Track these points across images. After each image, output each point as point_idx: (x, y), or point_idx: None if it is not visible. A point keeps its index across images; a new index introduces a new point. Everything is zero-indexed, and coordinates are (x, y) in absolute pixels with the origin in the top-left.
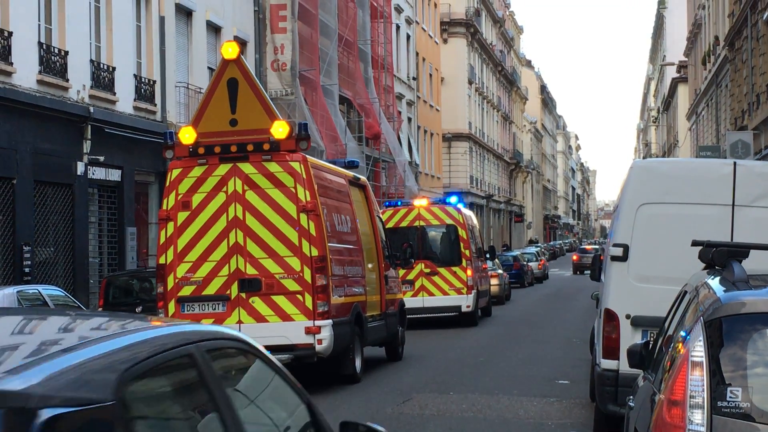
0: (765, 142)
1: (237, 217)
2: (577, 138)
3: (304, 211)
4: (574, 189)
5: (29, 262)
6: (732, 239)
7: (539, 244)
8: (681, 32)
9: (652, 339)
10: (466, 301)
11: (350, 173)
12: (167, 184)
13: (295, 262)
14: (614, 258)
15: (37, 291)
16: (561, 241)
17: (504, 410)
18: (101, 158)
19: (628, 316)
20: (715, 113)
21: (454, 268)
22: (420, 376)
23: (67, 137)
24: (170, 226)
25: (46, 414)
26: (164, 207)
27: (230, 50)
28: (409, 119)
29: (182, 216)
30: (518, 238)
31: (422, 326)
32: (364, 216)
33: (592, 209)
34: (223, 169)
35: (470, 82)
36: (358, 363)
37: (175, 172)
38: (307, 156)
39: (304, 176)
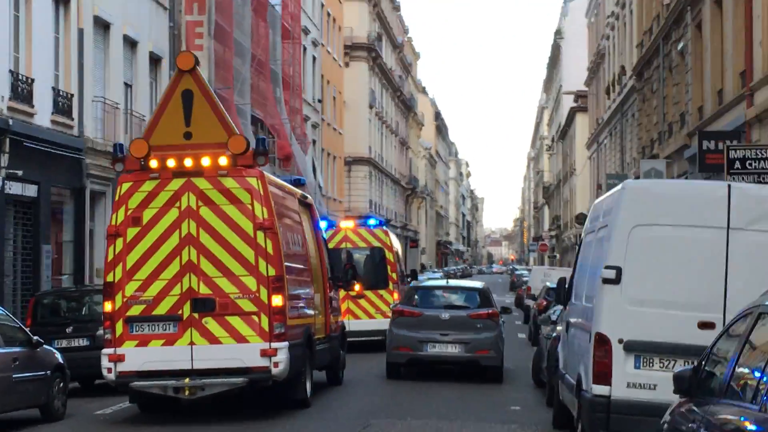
0: (678, 170)
1: (190, 233)
2: (467, 165)
3: (261, 229)
4: (464, 215)
5: None
6: (727, 263)
7: (436, 270)
8: (578, 62)
9: (694, 364)
10: None
11: (299, 191)
12: (116, 198)
13: (251, 282)
14: (606, 281)
15: None
16: (454, 267)
17: None
18: (19, 173)
19: (620, 341)
20: (619, 142)
21: (381, 291)
22: (368, 401)
23: None
24: (119, 242)
25: None
26: (113, 222)
27: (186, 61)
28: (314, 141)
29: (132, 232)
30: (413, 263)
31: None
32: (310, 236)
33: (480, 236)
34: (176, 183)
35: (371, 107)
36: (308, 387)
37: (125, 186)
38: (264, 172)
39: (262, 193)
